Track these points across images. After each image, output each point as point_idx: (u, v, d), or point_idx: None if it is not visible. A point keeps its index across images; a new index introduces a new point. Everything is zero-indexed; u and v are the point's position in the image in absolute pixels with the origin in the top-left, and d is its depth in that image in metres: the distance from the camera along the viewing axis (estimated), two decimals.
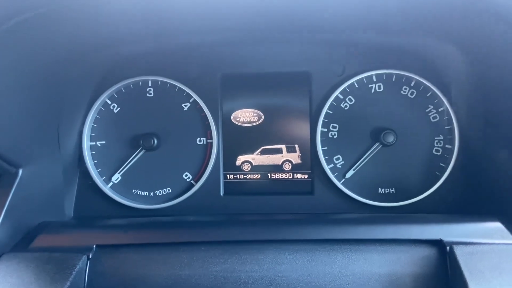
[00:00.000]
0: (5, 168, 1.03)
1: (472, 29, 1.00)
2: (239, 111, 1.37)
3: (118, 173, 1.35)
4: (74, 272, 0.93)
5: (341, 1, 0.94)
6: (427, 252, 0.98)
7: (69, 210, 1.33)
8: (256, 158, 1.37)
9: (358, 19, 1.09)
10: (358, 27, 1.16)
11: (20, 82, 0.98)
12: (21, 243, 1.04)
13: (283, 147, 1.37)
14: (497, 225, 1.01)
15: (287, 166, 1.37)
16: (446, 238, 0.98)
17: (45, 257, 0.97)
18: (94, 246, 1.00)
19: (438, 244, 0.98)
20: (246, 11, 1.00)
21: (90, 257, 0.98)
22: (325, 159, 1.34)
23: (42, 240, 1.04)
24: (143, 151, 1.34)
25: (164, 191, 1.37)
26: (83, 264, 0.96)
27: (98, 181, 1.35)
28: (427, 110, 1.32)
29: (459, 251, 0.93)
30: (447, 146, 1.31)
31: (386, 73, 1.33)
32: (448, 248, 0.95)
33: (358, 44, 1.32)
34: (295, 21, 1.06)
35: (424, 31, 1.14)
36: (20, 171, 1.07)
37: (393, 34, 1.24)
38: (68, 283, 0.90)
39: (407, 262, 0.97)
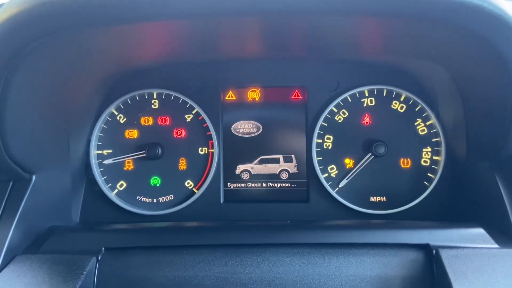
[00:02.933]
0: (20, 174, 1.07)
1: (456, 52, 1.05)
2: (238, 122, 1.42)
3: (124, 181, 1.39)
4: (84, 273, 0.96)
5: (337, 28, 1.00)
6: (415, 255, 1.01)
7: (76, 215, 1.35)
8: (255, 167, 1.42)
9: (352, 42, 1.15)
10: (352, 48, 1.22)
11: (38, 96, 1.03)
12: (33, 245, 1.07)
13: (281, 157, 1.41)
14: (480, 230, 1.06)
15: (284, 175, 1.41)
16: (433, 243, 1.02)
17: (57, 258, 0.99)
18: (103, 248, 1.03)
19: (425, 248, 1.02)
20: (248, 33, 1.06)
21: (99, 258, 1.01)
22: (320, 169, 1.38)
23: (53, 243, 1.07)
24: (148, 159, 1.37)
25: (167, 198, 1.40)
26: (92, 265, 0.99)
27: (104, 188, 1.38)
28: (415, 124, 1.37)
29: (444, 255, 0.97)
30: (434, 157, 1.36)
31: (377, 88, 1.38)
32: (434, 251, 0.99)
33: (352, 62, 1.37)
34: (293, 42, 1.12)
35: (413, 53, 1.19)
36: (34, 178, 1.10)
37: (384, 54, 1.29)
38: (80, 283, 0.93)
39: (396, 264, 1.00)
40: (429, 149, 1.37)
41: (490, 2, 0.75)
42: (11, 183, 1.09)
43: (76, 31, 0.77)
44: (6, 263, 0.98)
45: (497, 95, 0.99)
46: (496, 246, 1.02)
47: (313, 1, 0.71)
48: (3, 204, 1.06)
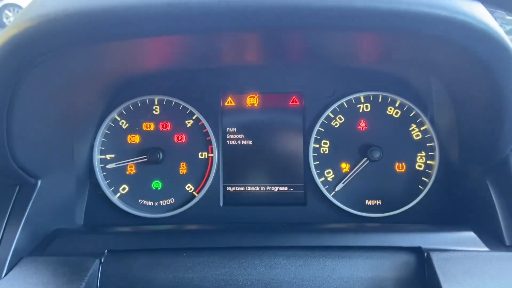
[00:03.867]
0: (26, 180, 1.09)
1: (448, 64, 1.08)
2: (236, 128, 1.45)
3: (126, 184, 1.42)
4: (88, 274, 0.98)
5: (334, 39, 1.03)
6: (407, 258, 1.04)
7: (80, 218, 1.38)
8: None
9: (349, 52, 1.18)
10: (348, 57, 1.24)
11: (44, 105, 1.06)
12: (39, 248, 1.10)
13: None
14: (470, 234, 1.08)
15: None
16: (424, 246, 1.04)
17: (62, 260, 1.02)
18: (106, 251, 1.05)
19: (417, 251, 1.04)
20: (246, 44, 1.09)
21: (102, 261, 1.04)
22: (317, 173, 1.40)
23: (58, 245, 1.10)
24: (149, 163, 1.40)
25: (168, 202, 1.42)
26: (96, 267, 1.02)
27: (107, 191, 1.40)
28: (410, 129, 1.39)
29: (435, 257, 0.99)
30: (428, 162, 1.38)
31: (373, 95, 1.40)
32: (425, 254, 1.01)
33: (348, 69, 1.39)
34: (291, 51, 1.14)
35: (407, 63, 1.22)
36: (39, 182, 1.12)
37: (379, 63, 1.32)
38: (84, 284, 0.95)
39: (389, 267, 1.03)
40: (423, 153, 1.39)
41: (474, 17, 0.78)
42: (17, 188, 1.11)
43: (83, 45, 0.80)
44: (13, 265, 1.01)
45: (486, 105, 1.02)
46: (486, 249, 1.04)
47: (310, 19, 0.74)
48: (9, 208, 1.09)
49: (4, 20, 10.40)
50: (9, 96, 0.86)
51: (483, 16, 0.81)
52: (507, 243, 1.07)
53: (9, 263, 1.00)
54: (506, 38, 0.83)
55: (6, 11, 10.40)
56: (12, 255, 1.02)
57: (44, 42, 0.76)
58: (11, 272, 0.99)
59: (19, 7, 10.33)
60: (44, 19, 0.72)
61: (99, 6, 0.73)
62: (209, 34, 0.85)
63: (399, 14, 0.74)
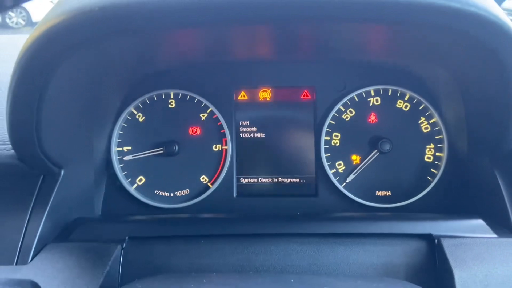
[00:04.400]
0: (51, 169, 1.13)
1: (457, 56, 1.10)
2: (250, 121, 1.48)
3: (143, 175, 1.45)
4: (111, 259, 1.01)
5: (345, 33, 1.05)
6: (418, 244, 1.06)
7: (98, 208, 1.41)
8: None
9: (360, 45, 1.20)
10: (359, 51, 1.27)
11: (69, 97, 1.09)
12: (62, 235, 1.13)
13: None
14: (480, 221, 1.11)
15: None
16: (435, 233, 1.06)
17: (85, 246, 1.04)
18: (127, 237, 1.08)
19: (427, 237, 1.06)
20: (259, 38, 1.11)
21: (124, 246, 1.06)
22: (328, 165, 1.43)
23: (81, 232, 1.13)
24: (165, 155, 1.43)
25: (183, 192, 1.45)
26: (118, 253, 1.04)
27: (124, 182, 1.43)
28: (419, 122, 1.41)
29: (445, 244, 1.01)
30: (437, 153, 1.41)
31: (383, 88, 1.42)
32: (436, 241, 1.03)
33: (358, 63, 1.42)
34: (303, 45, 1.17)
35: (417, 56, 1.24)
36: (62, 172, 1.16)
37: (390, 56, 1.34)
38: (108, 268, 0.99)
39: (401, 253, 1.05)
40: (432, 146, 1.41)
41: (486, 9, 0.82)
42: (41, 177, 1.15)
43: (115, 38, 0.84)
44: (38, 251, 1.04)
45: (496, 96, 1.04)
46: (495, 235, 1.06)
47: (324, 9, 0.78)
48: (34, 196, 1.12)
49: (7, 20, 10.40)
50: (41, 87, 0.90)
51: (493, 8, 0.84)
52: None
53: (34, 249, 1.04)
54: None
55: (10, 12, 10.40)
56: (37, 241, 1.05)
57: (78, 34, 0.80)
58: (37, 257, 1.02)
59: (23, 8, 10.33)
60: (79, 11, 0.76)
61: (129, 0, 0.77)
62: (228, 26, 0.88)
63: (414, 6, 0.77)
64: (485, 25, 0.84)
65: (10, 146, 1.06)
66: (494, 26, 0.84)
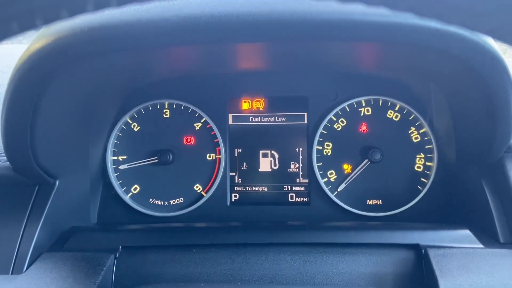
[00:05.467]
0: (46, 179, 1.15)
1: (445, 72, 1.13)
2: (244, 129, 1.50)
3: (137, 184, 1.47)
4: (104, 269, 1.02)
5: (337, 49, 1.08)
6: (405, 254, 1.08)
7: (94, 216, 1.43)
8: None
9: (351, 59, 1.23)
10: (351, 64, 1.29)
11: (64, 110, 1.11)
12: (57, 244, 1.15)
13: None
14: (466, 232, 1.12)
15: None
16: (422, 243, 1.08)
17: (79, 256, 1.06)
18: (120, 247, 1.10)
19: (415, 247, 1.08)
20: (253, 52, 1.14)
21: (117, 256, 1.08)
22: (320, 174, 1.45)
23: (75, 242, 1.14)
24: (159, 164, 1.45)
25: (178, 201, 1.47)
26: (111, 262, 1.06)
27: (120, 191, 1.45)
28: (409, 131, 1.43)
29: (432, 253, 1.03)
30: (427, 163, 1.42)
31: (374, 99, 1.44)
32: (423, 251, 1.05)
33: (350, 74, 1.44)
34: (296, 59, 1.20)
35: (407, 70, 1.27)
36: (57, 182, 1.18)
37: (381, 69, 1.37)
38: (100, 278, 1.00)
39: (388, 263, 1.07)
40: (422, 155, 1.43)
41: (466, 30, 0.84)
42: (37, 187, 1.17)
43: (103, 56, 0.87)
44: (33, 260, 1.06)
45: (482, 110, 1.06)
46: (481, 246, 1.08)
47: (313, 31, 0.80)
48: (29, 206, 1.14)
49: None
50: (34, 103, 0.92)
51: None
52: (501, 241, 1.11)
53: (29, 258, 1.06)
54: (498, 49, 0.89)
55: None
56: (32, 250, 1.07)
57: (70, 53, 0.82)
58: (32, 267, 1.04)
59: None
60: (70, 31, 0.79)
61: (117, 20, 0.79)
62: (220, 44, 0.91)
63: (395, 27, 0.80)
64: (467, 45, 0.86)
65: (5, 157, 1.08)
66: (476, 45, 0.86)
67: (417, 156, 1.43)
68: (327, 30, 0.82)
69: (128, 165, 1.47)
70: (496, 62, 0.90)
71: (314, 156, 1.45)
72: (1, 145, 1.05)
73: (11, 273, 1.04)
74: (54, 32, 0.82)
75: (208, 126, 1.48)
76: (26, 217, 1.12)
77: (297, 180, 1.49)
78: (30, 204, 1.15)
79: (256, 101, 1.50)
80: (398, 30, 0.82)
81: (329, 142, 1.46)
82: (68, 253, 1.08)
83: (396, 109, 1.45)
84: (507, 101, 0.96)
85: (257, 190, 1.49)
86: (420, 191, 1.42)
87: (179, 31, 0.80)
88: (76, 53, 0.82)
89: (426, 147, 1.43)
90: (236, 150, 1.50)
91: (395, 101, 1.44)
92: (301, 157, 1.48)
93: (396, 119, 1.45)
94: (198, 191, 1.48)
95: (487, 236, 1.13)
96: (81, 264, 1.04)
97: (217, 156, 1.48)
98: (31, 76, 0.87)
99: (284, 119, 1.49)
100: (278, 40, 0.87)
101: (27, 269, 1.04)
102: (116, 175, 1.47)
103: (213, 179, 1.48)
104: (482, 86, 0.97)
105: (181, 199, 1.48)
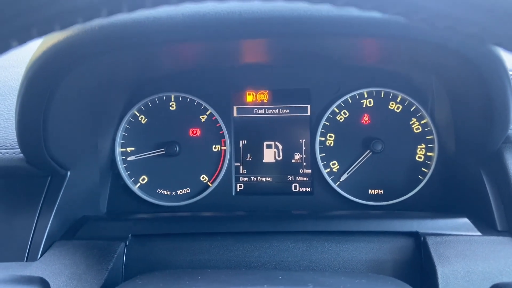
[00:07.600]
0: (58, 170, 1.18)
1: (445, 66, 1.15)
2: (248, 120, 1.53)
3: (146, 175, 1.51)
4: (115, 256, 1.07)
5: (340, 44, 1.11)
6: (405, 242, 1.11)
7: (103, 206, 1.47)
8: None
9: (354, 53, 1.25)
10: (353, 57, 1.31)
11: (75, 103, 1.15)
12: (68, 232, 1.19)
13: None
14: (465, 220, 1.14)
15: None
16: (421, 230, 1.11)
17: (90, 244, 1.10)
18: (130, 235, 1.14)
19: (414, 235, 1.11)
20: (257, 47, 1.17)
21: (127, 244, 1.12)
22: (323, 164, 1.47)
23: (86, 230, 1.18)
24: (166, 156, 1.48)
25: (184, 191, 1.50)
26: (121, 250, 1.10)
27: (128, 182, 1.49)
28: (411, 122, 1.45)
29: (430, 241, 1.05)
30: (428, 153, 1.44)
31: (375, 90, 1.46)
32: (422, 238, 1.07)
33: (352, 67, 1.45)
34: (299, 53, 1.22)
35: (409, 63, 1.28)
36: (68, 173, 1.22)
37: (383, 62, 1.38)
38: (111, 265, 1.04)
39: (388, 250, 1.10)
40: (423, 146, 1.45)
41: None
42: (49, 179, 1.21)
43: (111, 53, 0.90)
44: (46, 248, 1.10)
45: (480, 103, 1.08)
46: (479, 233, 1.10)
47: (312, 28, 0.83)
48: (42, 197, 1.18)
49: None
50: (47, 97, 0.96)
51: None
52: (499, 228, 1.14)
53: (43, 246, 1.10)
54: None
55: None
56: (46, 239, 1.11)
57: (81, 50, 0.86)
58: (45, 254, 1.08)
59: None
60: (81, 29, 0.83)
61: (126, 18, 0.82)
62: (224, 40, 0.94)
63: (393, 23, 0.82)
64: (464, 39, 0.88)
65: (19, 150, 1.12)
66: (476, 44, 0.88)
67: (418, 146, 1.45)
68: (327, 26, 0.84)
69: (136, 157, 1.50)
70: (495, 60, 0.92)
71: (317, 147, 1.48)
72: (15, 138, 1.09)
73: (26, 260, 1.08)
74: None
75: (213, 118, 1.51)
76: (39, 207, 1.17)
77: (301, 171, 1.51)
78: (43, 194, 1.19)
79: (260, 93, 1.53)
80: (397, 26, 0.84)
81: (331, 133, 1.49)
82: (80, 241, 1.12)
83: (398, 100, 1.46)
84: (505, 93, 0.98)
85: (261, 181, 1.52)
86: (420, 181, 1.44)
87: (186, 29, 0.83)
88: (87, 49, 0.86)
89: (427, 137, 1.45)
90: (240, 141, 1.53)
91: (396, 92, 1.45)
92: (304, 148, 1.51)
93: (398, 111, 1.46)
94: (204, 181, 1.51)
95: (485, 224, 1.16)
96: (92, 252, 1.08)
97: (222, 148, 1.51)
98: (45, 72, 0.90)
99: (287, 111, 1.52)
100: (280, 36, 0.90)
101: (41, 256, 1.08)
102: (124, 166, 1.51)
103: (218, 170, 1.51)
104: (481, 82, 0.98)
105: (188, 189, 1.51)
